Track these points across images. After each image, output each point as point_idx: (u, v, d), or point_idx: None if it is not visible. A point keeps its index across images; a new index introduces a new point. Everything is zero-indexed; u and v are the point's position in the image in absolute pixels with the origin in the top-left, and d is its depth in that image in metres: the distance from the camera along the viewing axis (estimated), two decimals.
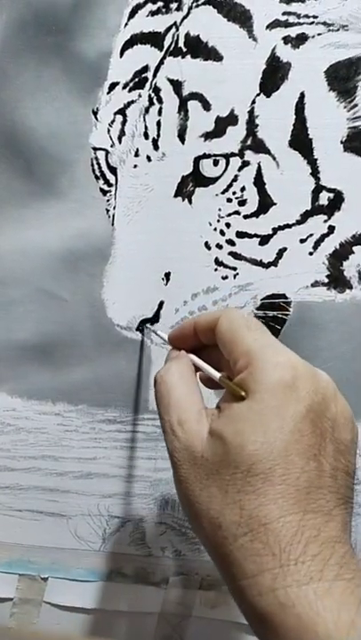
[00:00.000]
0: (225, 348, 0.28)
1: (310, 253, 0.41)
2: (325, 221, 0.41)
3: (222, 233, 0.41)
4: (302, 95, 0.39)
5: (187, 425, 0.26)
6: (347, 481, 0.24)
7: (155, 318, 0.43)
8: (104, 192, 0.42)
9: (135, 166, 0.41)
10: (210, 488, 0.24)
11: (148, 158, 0.41)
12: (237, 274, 0.42)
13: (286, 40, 0.38)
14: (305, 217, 0.41)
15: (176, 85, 0.39)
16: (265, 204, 0.40)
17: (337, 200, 0.40)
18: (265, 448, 0.23)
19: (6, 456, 0.47)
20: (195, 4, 0.38)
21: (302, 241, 0.41)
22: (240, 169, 0.40)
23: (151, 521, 0.47)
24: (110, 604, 0.48)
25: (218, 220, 0.41)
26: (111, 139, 0.41)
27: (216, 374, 0.29)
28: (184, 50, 0.39)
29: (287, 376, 0.24)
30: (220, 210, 0.41)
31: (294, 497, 0.22)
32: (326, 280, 0.42)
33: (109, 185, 0.42)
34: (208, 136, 0.40)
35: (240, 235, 0.41)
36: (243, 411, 0.24)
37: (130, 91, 0.40)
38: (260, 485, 0.22)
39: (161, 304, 0.43)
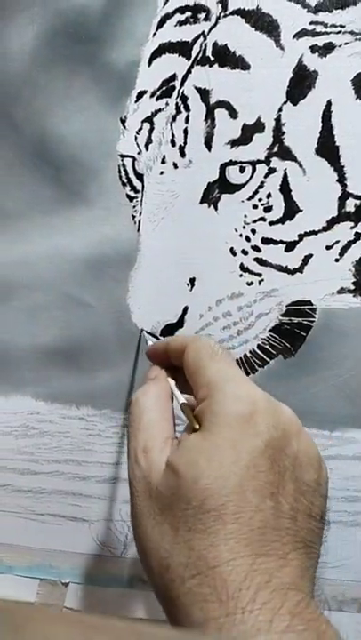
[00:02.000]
0: (190, 378, 0.27)
1: (336, 260, 0.41)
2: (352, 228, 0.41)
3: (248, 239, 0.42)
4: (329, 103, 0.39)
5: (150, 454, 0.25)
6: (309, 524, 0.22)
7: (179, 324, 0.43)
8: (130, 198, 0.43)
9: (162, 173, 0.41)
10: (162, 525, 0.22)
11: (175, 165, 0.41)
12: (262, 280, 0.42)
13: (313, 49, 0.39)
14: (331, 224, 0.41)
15: (203, 94, 0.40)
16: (291, 210, 0.41)
17: None
18: (218, 483, 0.21)
19: (30, 459, 0.47)
20: (223, 14, 0.39)
21: (328, 247, 0.41)
22: (266, 176, 0.40)
23: None
24: (131, 610, 0.47)
25: (243, 227, 0.41)
26: (138, 146, 0.41)
27: (180, 399, 0.28)
28: (212, 59, 0.39)
29: (245, 409, 0.23)
30: (245, 216, 0.41)
31: (247, 538, 0.21)
32: (352, 287, 0.42)
33: (136, 191, 0.42)
34: (234, 143, 0.40)
35: (266, 241, 0.41)
36: (198, 442, 0.23)
37: (157, 99, 0.41)
38: (212, 524, 0.21)
39: (185, 309, 0.43)
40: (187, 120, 0.40)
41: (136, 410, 0.27)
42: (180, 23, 0.40)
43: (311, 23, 0.38)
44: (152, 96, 0.41)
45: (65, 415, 0.46)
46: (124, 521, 0.47)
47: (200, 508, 0.21)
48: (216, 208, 0.42)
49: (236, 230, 0.42)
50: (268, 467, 0.22)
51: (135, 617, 0.48)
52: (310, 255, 0.41)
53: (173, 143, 0.41)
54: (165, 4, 0.40)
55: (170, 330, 0.43)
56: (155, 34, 0.40)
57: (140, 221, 0.43)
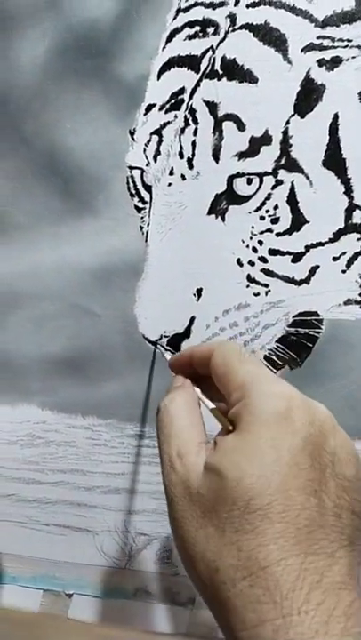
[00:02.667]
0: (219, 383, 0.27)
1: (343, 271, 0.41)
2: (359, 239, 0.41)
3: (255, 250, 0.42)
4: (336, 116, 0.39)
5: (186, 458, 0.25)
6: (353, 520, 0.22)
7: (186, 334, 0.43)
8: (139, 209, 0.43)
9: (170, 184, 0.42)
10: (206, 528, 0.22)
11: (183, 177, 0.41)
12: (269, 291, 0.42)
13: (321, 63, 0.39)
14: (338, 235, 0.41)
15: (211, 107, 0.40)
16: (298, 222, 0.41)
17: None
18: (262, 482, 0.21)
19: (35, 469, 0.47)
20: (231, 29, 0.40)
21: (335, 259, 0.41)
22: (273, 187, 0.40)
23: None
24: (135, 622, 0.47)
25: (251, 238, 0.42)
26: (147, 158, 0.42)
27: (209, 405, 0.28)
28: (220, 72, 0.40)
29: (281, 407, 0.23)
30: (252, 227, 0.41)
31: (295, 537, 0.21)
32: (359, 298, 0.42)
33: (144, 202, 0.43)
34: (242, 155, 0.40)
35: (273, 252, 0.42)
36: (237, 443, 0.23)
37: (166, 112, 0.41)
38: (259, 523, 0.21)
39: (192, 320, 0.43)
40: (195, 133, 0.41)
41: (165, 417, 0.27)
42: (190, 37, 0.40)
43: (319, 37, 0.39)
44: (161, 109, 0.41)
45: (71, 425, 0.46)
46: (129, 532, 0.47)
47: (246, 509, 0.21)
48: (223, 219, 0.42)
49: (243, 241, 0.42)
50: (309, 464, 0.22)
51: (139, 629, 0.47)
52: (317, 266, 0.41)
53: (182, 155, 0.41)
54: (175, 18, 0.41)
55: (177, 340, 0.44)
56: (164, 48, 0.41)
57: (147, 232, 0.43)
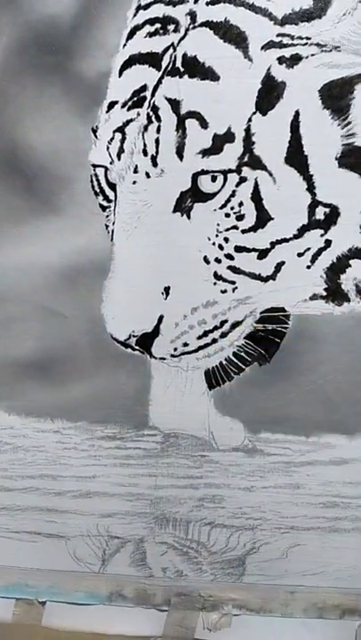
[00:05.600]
0: None
1: (308, 267, 0.42)
2: (322, 235, 0.41)
3: (221, 247, 0.42)
4: (297, 113, 0.40)
5: None
6: None
7: (155, 332, 0.43)
8: (103, 208, 0.42)
9: (134, 182, 0.41)
10: None
11: (147, 175, 0.41)
12: (236, 287, 0.42)
13: (281, 60, 0.39)
14: (302, 231, 0.41)
15: (174, 104, 0.40)
16: (262, 218, 0.41)
17: (333, 215, 0.41)
18: None
19: (3, 476, 0.46)
20: (191, 26, 0.40)
21: (300, 255, 0.42)
22: (238, 185, 0.41)
23: (152, 541, 0.46)
24: (111, 627, 0.46)
25: (216, 235, 0.42)
26: (110, 156, 0.41)
27: None
28: (181, 70, 0.40)
29: None
30: (218, 225, 0.41)
31: None
32: (324, 293, 0.42)
33: (109, 201, 0.42)
34: (206, 153, 0.40)
35: (238, 249, 0.42)
36: None
37: (129, 109, 0.41)
38: None
39: (161, 318, 0.43)
40: (158, 130, 0.40)
41: None
42: (150, 34, 0.40)
43: (278, 35, 0.39)
44: (123, 106, 0.41)
45: (39, 429, 0.45)
46: (102, 536, 0.46)
47: None
48: (189, 217, 0.42)
49: (210, 239, 0.42)
50: None
51: (115, 634, 0.47)
52: (282, 262, 0.42)
53: (145, 153, 0.41)
54: (135, 15, 0.40)
55: (146, 339, 0.43)
56: (125, 45, 0.40)
57: (113, 231, 0.42)
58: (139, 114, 0.41)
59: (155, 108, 0.40)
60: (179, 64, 0.40)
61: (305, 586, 0.45)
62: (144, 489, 0.45)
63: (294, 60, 0.39)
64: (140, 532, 0.46)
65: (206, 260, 0.42)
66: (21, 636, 0.46)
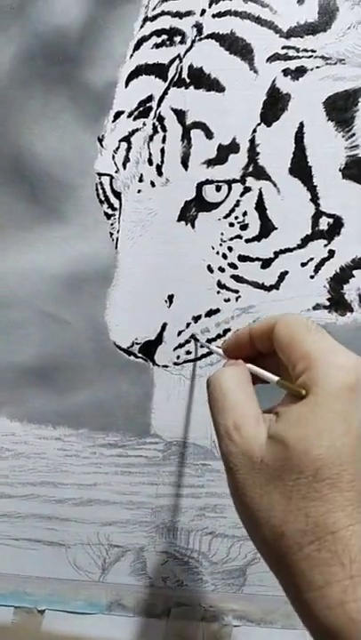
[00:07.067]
0: (283, 353, 0.26)
1: (311, 277, 0.42)
2: (326, 246, 0.41)
3: (225, 256, 0.42)
4: (302, 125, 0.40)
5: (243, 429, 0.25)
6: None
7: (158, 340, 0.43)
8: (108, 216, 0.43)
9: (139, 191, 0.42)
10: (271, 494, 0.23)
11: (152, 184, 0.41)
12: (239, 296, 0.43)
13: (286, 72, 0.40)
14: (305, 241, 0.41)
15: (180, 115, 0.40)
16: (266, 228, 0.41)
17: (336, 225, 0.41)
18: (331, 453, 0.22)
19: (4, 482, 0.46)
20: (198, 38, 0.40)
21: (303, 265, 0.42)
22: (242, 194, 0.41)
23: (152, 550, 0.46)
24: (110, 637, 0.46)
25: (220, 244, 0.42)
26: (116, 165, 0.42)
27: (274, 378, 0.27)
28: (187, 81, 0.40)
29: (351, 379, 0.23)
30: (222, 234, 0.42)
31: None
32: (327, 303, 0.42)
33: (113, 209, 0.43)
34: (210, 163, 0.41)
35: (242, 258, 0.42)
36: (305, 414, 0.23)
37: (135, 119, 0.41)
38: (327, 491, 0.22)
39: (164, 326, 0.43)
40: (164, 140, 0.41)
41: (217, 391, 0.27)
42: (157, 46, 0.41)
43: (284, 47, 0.40)
44: (129, 116, 0.41)
45: (41, 436, 0.45)
46: (102, 544, 0.46)
47: (314, 477, 0.22)
48: (193, 226, 0.42)
49: (213, 248, 0.42)
50: None
51: None
52: (286, 272, 0.42)
53: (151, 162, 0.41)
54: (142, 27, 0.41)
55: (149, 347, 0.43)
56: (132, 55, 0.41)
57: (117, 239, 0.43)
58: (144, 124, 0.41)
59: (160, 119, 0.41)
60: (185, 75, 0.40)
61: None
62: (145, 497, 0.45)
63: (299, 73, 0.39)
64: (141, 540, 0.46)
65: (210, 269, 0.42)
66: None
